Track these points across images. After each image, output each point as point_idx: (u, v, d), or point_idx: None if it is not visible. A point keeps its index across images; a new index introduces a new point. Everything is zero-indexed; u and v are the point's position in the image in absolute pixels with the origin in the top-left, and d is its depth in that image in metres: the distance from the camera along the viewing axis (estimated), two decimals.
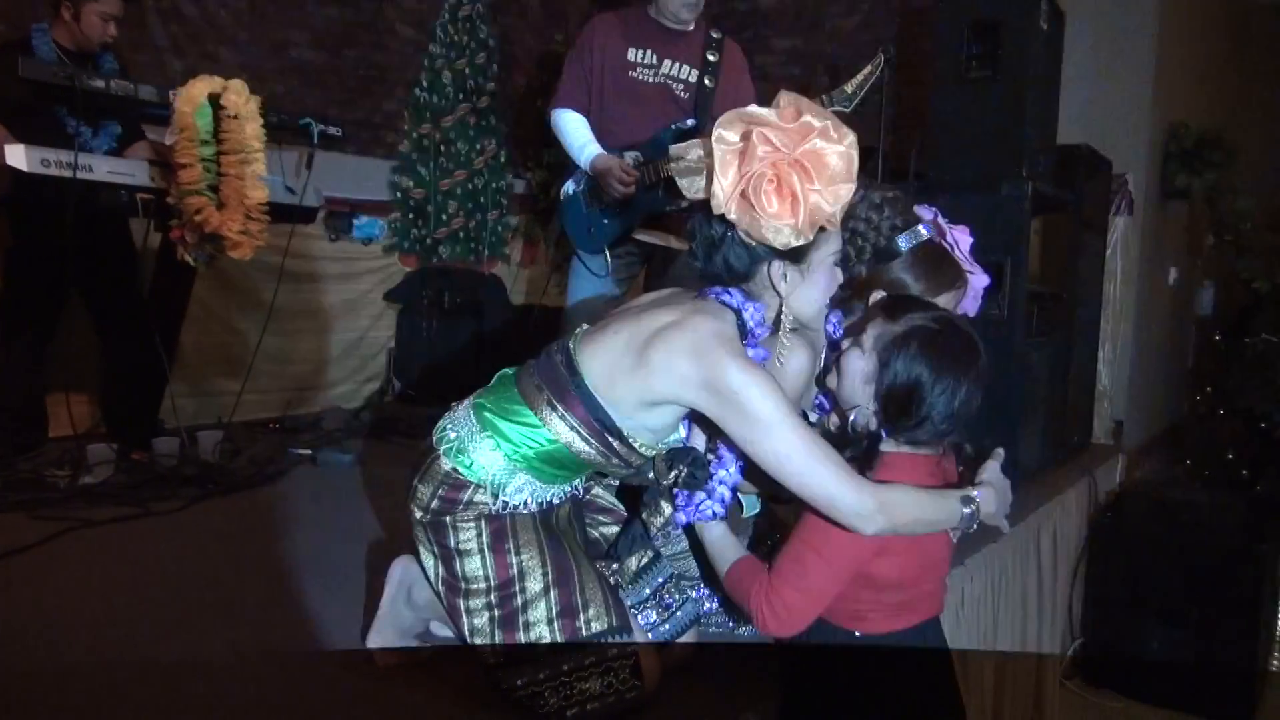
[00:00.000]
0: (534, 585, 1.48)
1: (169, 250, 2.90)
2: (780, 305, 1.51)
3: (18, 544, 2.28)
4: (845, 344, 1.48)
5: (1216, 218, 5.13)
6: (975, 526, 1.42)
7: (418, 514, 1.54)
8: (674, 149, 1.51)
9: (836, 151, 1.38)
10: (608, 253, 2.91)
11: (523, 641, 1.45)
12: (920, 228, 1.74)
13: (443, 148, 5.06)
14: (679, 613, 1.64)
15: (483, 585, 1.49)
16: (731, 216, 1.41)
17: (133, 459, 3.02)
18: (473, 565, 1.50)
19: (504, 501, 1.51)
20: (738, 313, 1.48)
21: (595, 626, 1.48)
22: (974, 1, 3.72)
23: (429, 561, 1.55)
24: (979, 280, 1.83)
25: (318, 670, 1.70)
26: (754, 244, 1.44)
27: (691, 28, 2.97)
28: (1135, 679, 3.64)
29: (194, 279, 3.24)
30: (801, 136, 1.36)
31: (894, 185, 1.82)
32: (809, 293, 1.51)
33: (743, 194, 1.38)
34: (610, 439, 1.48)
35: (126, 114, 3.02)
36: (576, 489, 1.66)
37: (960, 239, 1.81)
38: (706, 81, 2.97)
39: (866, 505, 1.32)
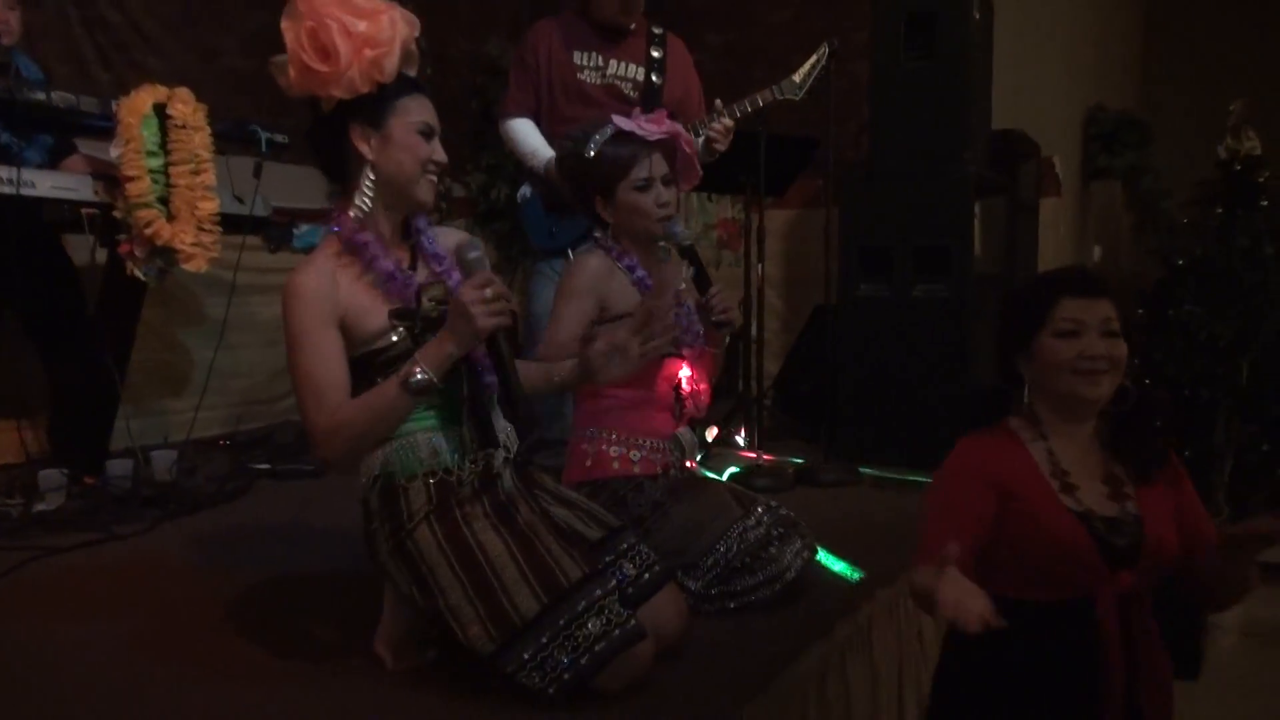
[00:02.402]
0: (502, 562, 1.51)
1: (117, 266, 2.81)
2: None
3: None
4: None
5: (1135, 197, 5.36)
6: (430, 382, 1.49)
7: (381, 551, 1.60)
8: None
9: (357, 6, 1.53)
10: (570, 253, 2.91)
11: (513, 616, 1.48)
12: (604, 126, 2.01)
13: None
14: (646, 575, 1.67)
15: (457, 583, 1.51)
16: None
17: (85, 484, 2.92)
18: (443, 571, 1.52)
19: (432, 470, 1.58)
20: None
21: (572, 575, 1.52)
22: None
23: (409, 592, 1.57)
24: (674, 136, 2.04)
25: (317, 681, 1.68)
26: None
27: (632, 27, 2.98)
28: None
29: (144, 294, 3.14)
30: None
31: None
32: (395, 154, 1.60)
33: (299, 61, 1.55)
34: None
35: (64, 126, 2.91)
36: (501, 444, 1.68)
37: (647, 118, 2.02)
38: (654, 78, 2.99)
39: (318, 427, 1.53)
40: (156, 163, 2.67)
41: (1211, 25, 6.11)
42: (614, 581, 1.56)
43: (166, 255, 2.72)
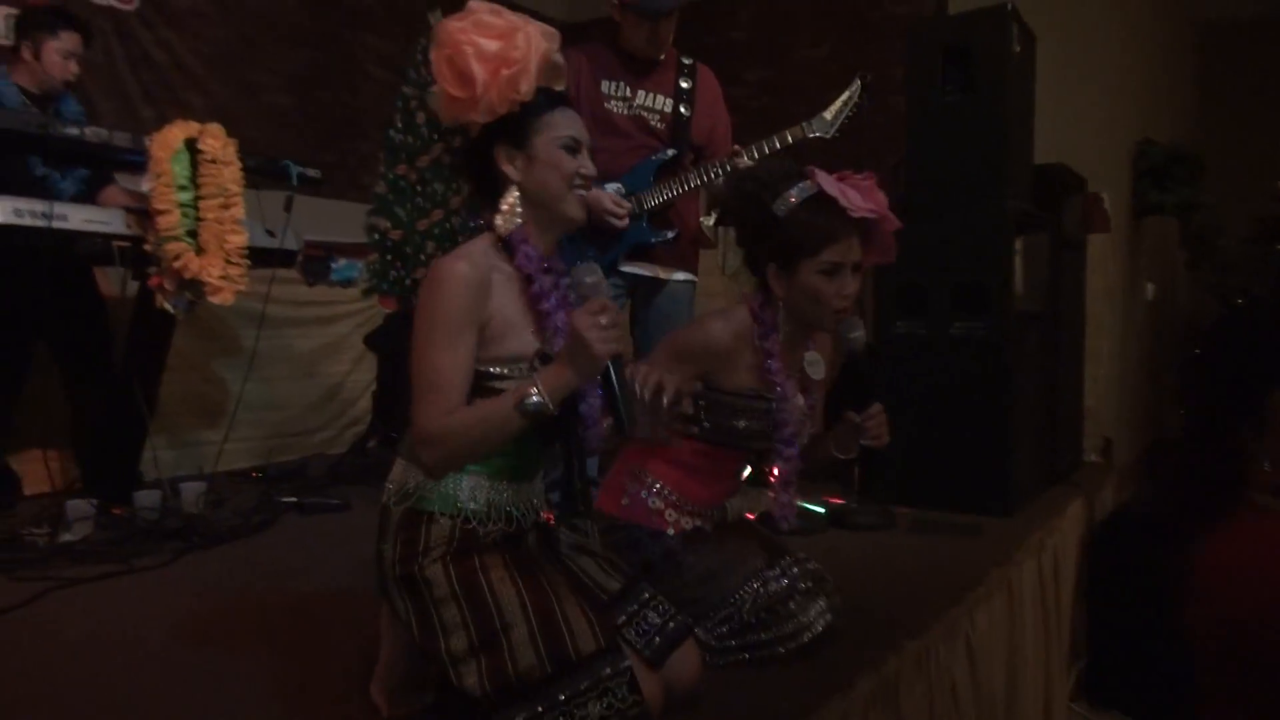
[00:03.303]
0: (514, 617, 1.44)
1: (147, 298, 2.84)
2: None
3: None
4: None
5: (1189, 233, 5.20)
6: (546, 408, 1.42)
7: (387, 574, 1.53)
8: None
9: (491, 26, 1.49)
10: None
11: (512, 677, 1.41)
12: (804, 183, 1.78)
13: (419, 188, 5.02)
14: (671, 624, 1.59)
15: (462, 629, 1.45)
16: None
17: (113, 514, 2.93)
18: (450, 612, 1.46)
19: (464, 515, 1.51)
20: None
21: (583, 648, 1.43)
22: (945, 28, 3.78)
23: (407, 620, 1.51)
24: (881, 218, 1.82)
25: None
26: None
27: (662, 57, 2.96)
28: (1142, 700, 3.60)
29: (173, 327, 3.17)
30: (463, 18, 1.51)
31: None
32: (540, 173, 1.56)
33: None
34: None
35: (100, 160, 2.97)
36: (534, 504, 1.62)
37: (854, 183, 1.80)
38: (682, 109, 2.95)
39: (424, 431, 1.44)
40: (187, 196, 2.70)
41: (1266, 58, 5.95)
42: (626, 663, 1.45)
43: (195, 288, 2.74)
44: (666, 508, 1.90)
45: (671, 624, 1.59)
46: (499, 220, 1.55)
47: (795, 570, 1.89)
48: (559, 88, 1.59)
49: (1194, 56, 6.39)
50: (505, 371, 1.51)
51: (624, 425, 1.49)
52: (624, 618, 1.56)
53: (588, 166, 1.58)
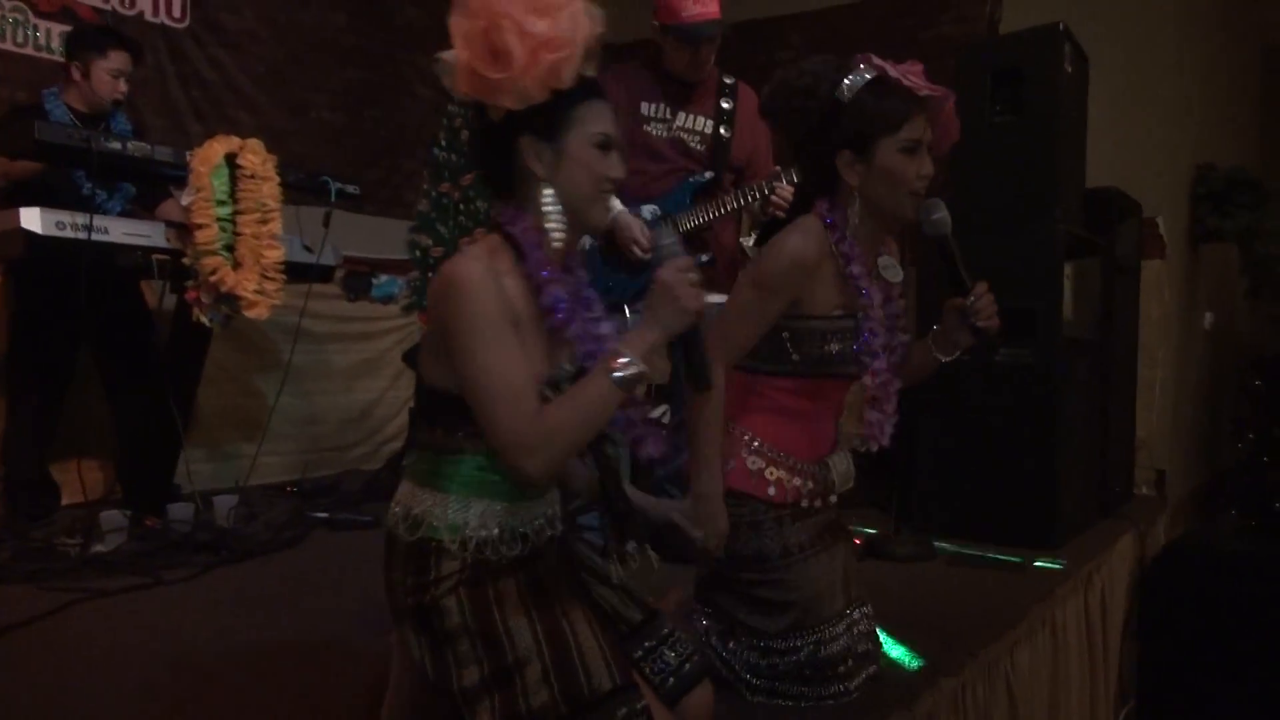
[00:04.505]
0: (528, 652, 1.37)
1: (184, 311, 2.87)
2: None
3: (26, 616, 2.20)
4: None
5: (1250, 260, 5.03)
6: (643, 377, 1.32)
7: (399, 603, 1.45)
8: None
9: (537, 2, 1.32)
10: (626, 309, 2.83)
11: (525, 715, 1.34)
12: (859, 64, 1.68)
13: (461, 205, 5.04)
14: (687, 664, 1.52)
15: (474, 664, 1.38)
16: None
17: (146, 525, 2.95)
18: (463, 647, 1.39)
19: (475, 543, 1.40)
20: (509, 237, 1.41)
21: (599, 686, 1.36)
22: (995, 48, 3.71)
23: (419, 655, 1.44)
24: (944, 97, 1.71)
25: None
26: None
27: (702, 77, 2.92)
28: None
29: (209, 340, 3.20)
30: None
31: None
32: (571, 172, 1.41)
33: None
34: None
35: (143, 175, 3.01)
36: (550, 518, 1.52)
37: (908, 69, 1.70)
38: (722, 131, 2.90)
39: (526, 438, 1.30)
40: (225, 211, 2.72)
41: None
42: (642, 703, 1.37)
43: (231, 302, 2.75)
44: (768, 465, 1.76)
45: (688, 664, 1.52)
46: (550, 227, 1.40)
47: (858, 629, 1.79)
48: (591, 73, 1.43)
49: (1257, 80, 6.21)
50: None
51: (701, 382, 1.42)
52: (641, 652, 1.49)
53: (617, 168, 1.44)
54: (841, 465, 1.84)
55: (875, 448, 1.78)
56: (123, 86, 3.07)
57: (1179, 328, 4.50)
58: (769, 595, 1.75)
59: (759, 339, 1.72)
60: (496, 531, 1.43)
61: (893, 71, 1.67)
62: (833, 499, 1.87)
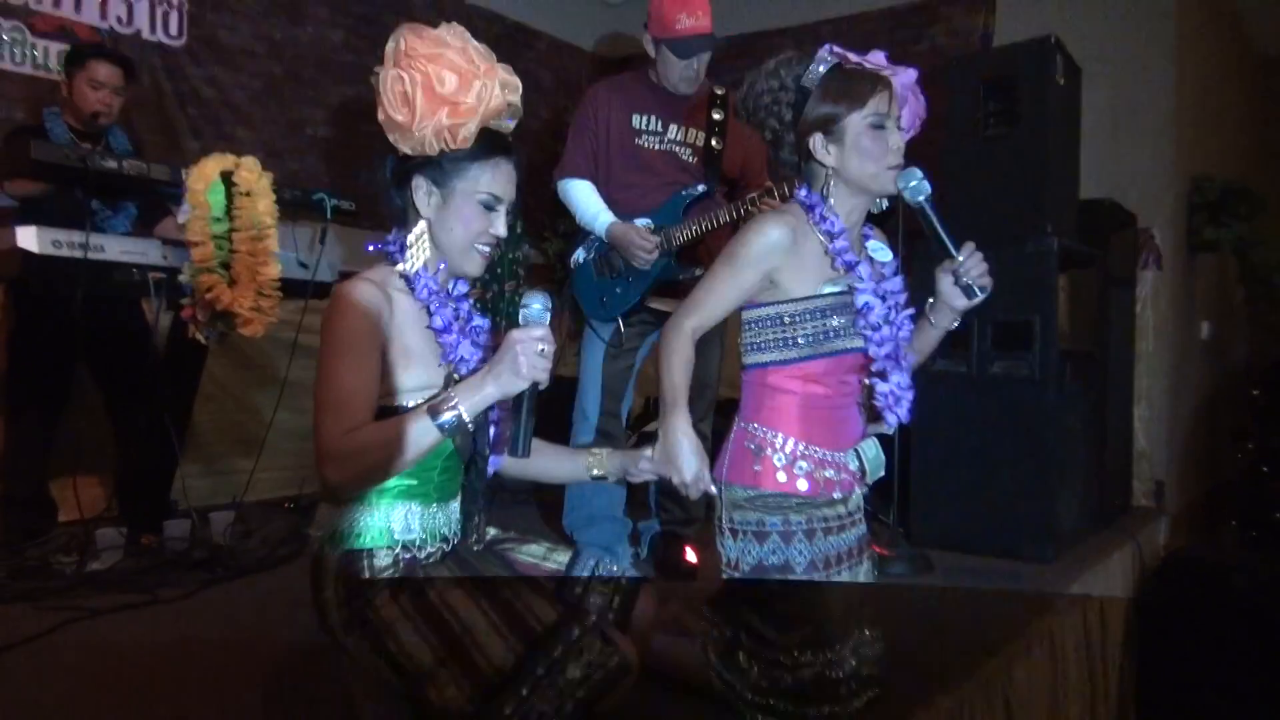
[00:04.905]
0: (471, 617, 1.44)
1: (180, 329, 2.87)
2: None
3: (20, 635, 2.19)
4: None
5: (1247, 270, 5.03)
6: (462, 422, 1.40)
7: (333, 620, 1.50)
8: None
9: (454, 65, 1.45)
10: (620, 321, 2.84)
11: (488, 671, 1.40)
12: (821, 54, 1.75)
13: None
14: (625, 580, 1.63)
15: (424, 646, 1.43)
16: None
17: (142, 543, 2.95)
18: (407, 633, 1.44)
19: (402, 545, 1.50)
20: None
21: (546, 618, 1.44)
22: (987, 59, 3.73)
23: (369, 660, 1.48)
24: (905, 75, 1.78)
25: None
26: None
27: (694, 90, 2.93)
28: None
29: (205, 356, 3.20)
30: (433, 44, 1.46)
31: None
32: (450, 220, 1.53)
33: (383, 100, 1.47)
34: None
35: (139, 193, 3.01)
36: (465, 520, 1.62)
37: (868, 56, 1.77)
38: (714, 143, 2.91)
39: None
40: (221, 229, 2.73)
41: None
42: (592, 616, 1.47)
43: (226, 319, 2.76)
44: (797, 459, 1.75)
45: (618, 598, 1.62)
46: (407, 255, 1.53)
47: (867, 652, 1.79)
48: (507, 126, 1.56)
49: (1253, 91, 6.23)
50: (411, 403, 1.48)
51: (518, 448, 1.47)
52: (579, 588, 1.59)
53: (499, 228, 1.54)
54: (870, 452, 1.82)
55: (894, 422, 1.78)
56: (107, 98, 3.03)
57: (1176, 338, 4.50)
58: (788, 608, 1.75)
59: (726, 312, 1.76)
60: (421, 531, 1.53)
61: (853, 57, 1.74)
62: (863, 491, 1.86)
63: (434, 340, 1.53)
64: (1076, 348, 3.52)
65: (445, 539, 1.58)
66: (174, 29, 3.96)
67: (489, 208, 1.53)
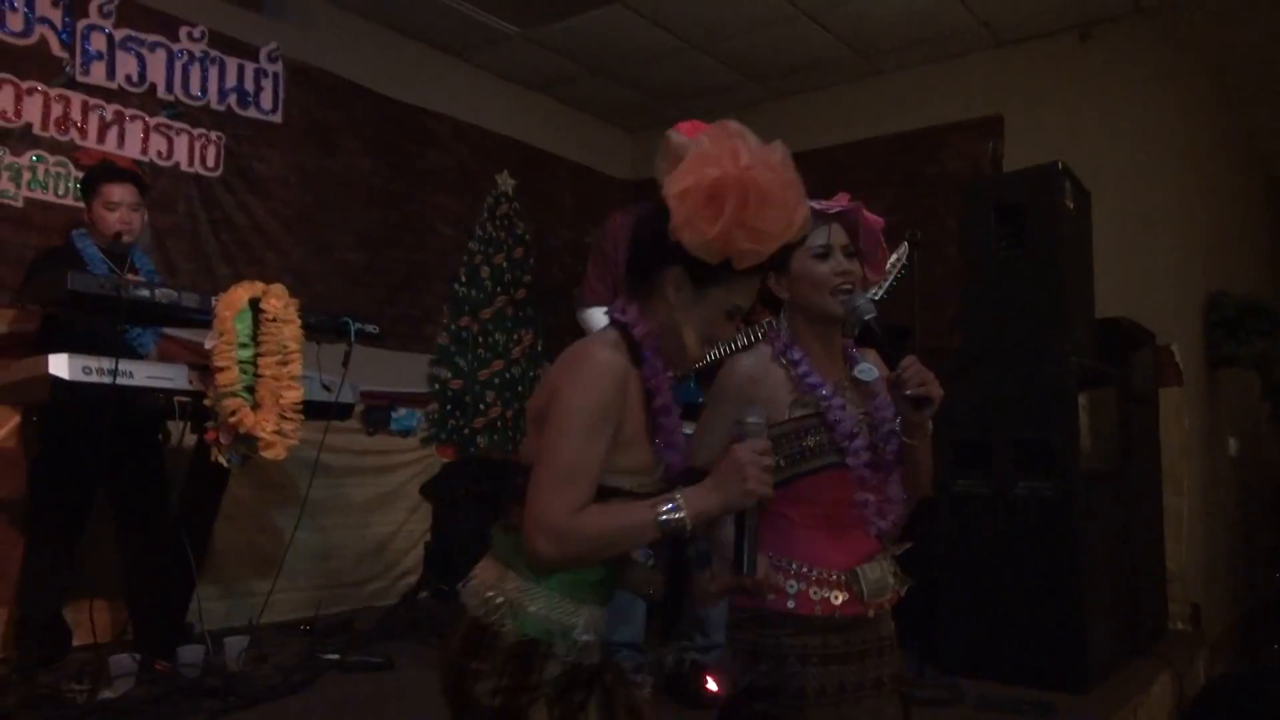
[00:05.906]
0: None
1: (204, 452, 2.90)
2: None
3: None
4: None
5: (1269, 386, 5.00)
6: (684, 526, 1.34)
7: (480, 700, 1.38)
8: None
9: (773, 198, 1.39)
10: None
11: None
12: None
13: (481, 339, 5.14)
14: None
15: None
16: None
17: (156, 670, 2.91)
18: None
19: (578, 648, 1.40)
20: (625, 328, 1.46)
21: None
22: (998, 186, 3.81)
23: None
24: (838, 204, 1.79)
25: None
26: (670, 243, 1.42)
27: None
28: None
29: (227, 479, 3.22)
30: (764, 167, 1.39)
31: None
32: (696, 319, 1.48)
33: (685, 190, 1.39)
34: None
35: (169, 320, 3.09)
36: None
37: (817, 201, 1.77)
38: None
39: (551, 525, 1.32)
40: (247, 354, 2.78)
41: None
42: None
43: (249, 443, 2.78)
44: (787, 579, 1.73)
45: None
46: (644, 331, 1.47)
47: None
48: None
49: (1267, 209, 6.31)
50: (625, 486, 1.41)
51: (744, 567, 1.42)
52: None
53: (729, 334, 1.55)
54: (873, 574, 1.78)
55: (875, 533, 1.76)
56: (125, 216, 3.08)
57: (1203, 455, 4.44)
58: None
59: (717, 449, 1.70)
60: (596, 638, 1.43)
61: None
62: (870, 614, 1.79)
63: (648, 420, 1.48)
64: (1100, 467, 3.47)
65: (603, 647, 1.48)
66: (211, 161, 4.13)
67: (731, 316, 1.52)
